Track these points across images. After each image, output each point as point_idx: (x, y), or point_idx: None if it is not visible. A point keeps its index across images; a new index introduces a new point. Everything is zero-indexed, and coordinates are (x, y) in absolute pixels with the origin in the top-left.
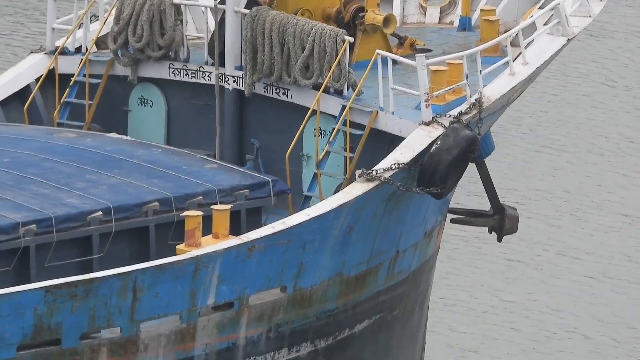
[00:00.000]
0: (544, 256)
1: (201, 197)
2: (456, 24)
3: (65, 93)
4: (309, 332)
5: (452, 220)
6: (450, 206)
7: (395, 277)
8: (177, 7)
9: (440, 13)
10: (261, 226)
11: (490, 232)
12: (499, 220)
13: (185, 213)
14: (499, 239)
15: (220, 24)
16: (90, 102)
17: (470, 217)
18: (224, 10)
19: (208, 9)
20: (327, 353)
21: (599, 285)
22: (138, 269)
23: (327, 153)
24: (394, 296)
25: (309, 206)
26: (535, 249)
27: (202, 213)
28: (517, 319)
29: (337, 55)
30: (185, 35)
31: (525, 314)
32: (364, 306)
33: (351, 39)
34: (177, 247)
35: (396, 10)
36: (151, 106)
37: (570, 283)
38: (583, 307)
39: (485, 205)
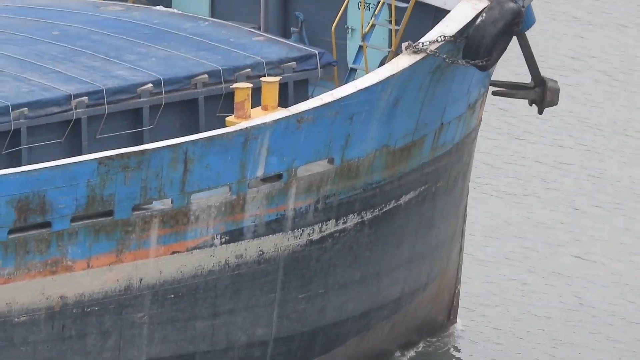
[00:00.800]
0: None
1: (249, 70)
2: None
3: None
4: (356, 203)
5: (494, 93)
6: (492, 79)
7: (439, 149)
8: None
9: None
10: (308, 98)
11: (531, 105)
12: (540, 92)
13: (235, 85)
14: (540, 111)
15: None
16: None
17: (511, 89)
18: None
19: None
20: (373, 224)
21: None
22: (188, 141)
23: (373, 26)
24: (438, 168)
25: (354, 79)
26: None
27: (251, 85)
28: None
29: None
30: None
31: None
32: (409, 178)
33: None
34: (227, 119)
35: None
36: None
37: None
38: None
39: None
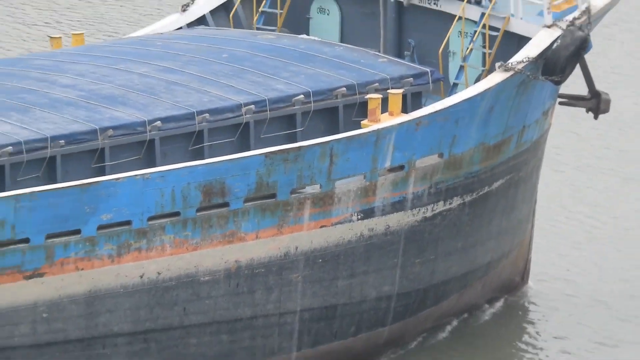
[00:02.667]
0: None
1: (377, 84)
2: None
3: (262, 4)
4: (459, 188)
5: (560, 103)
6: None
7: (522, 146)
8: None
9: None
10: (422, 107)
11: (588, 112)
12: (596, 102)
13: (368, 96)
14: (596, 117)
15: None
16: (280, 11)
17: (573, 100)
18: None
19: None
20: (472, 205)
21: None
22: (333, 139)
23: (471, 50)
24: (520, 161)
25: (456, 92)
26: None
27: (381, 96)
28: None
29: None
30: None
31: None
32: (499, 169)
33: None
34: (362, 122)
35: None
36: (328, 14)
37: None
38: None
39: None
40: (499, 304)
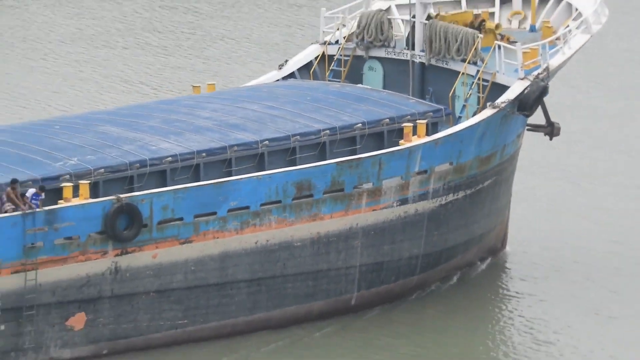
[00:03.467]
0: None
1: (409, 116)
2: (527, 28)
3: (331, 65)
4: (463, 185)
5: (528, 129)
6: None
7: (504, 158)
8: (389, 20)
9: (518, 22)
10: (438, 132)
11: (545, 135)
12: (550, 129)
13: (404, 124)
14: (550, 139)
15: (412, 27)
16: (344, 69)
17: (536, 127)
18: (414, 21)
19: (406, 21)
20: (471, 196)
21: None
22: (381, 153)
23: (470, 95)
24: (502, 168)
25: (460, 122)
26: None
27: (412, 124)
28: None
29: (474, 44)
30: (393, 34)
31: None
32: (489, 172)
33: (481, 35)
34: (400, 142)
35: (495, 20)
36: (375, 71)
37: None
38: None
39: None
40: (487, 262)
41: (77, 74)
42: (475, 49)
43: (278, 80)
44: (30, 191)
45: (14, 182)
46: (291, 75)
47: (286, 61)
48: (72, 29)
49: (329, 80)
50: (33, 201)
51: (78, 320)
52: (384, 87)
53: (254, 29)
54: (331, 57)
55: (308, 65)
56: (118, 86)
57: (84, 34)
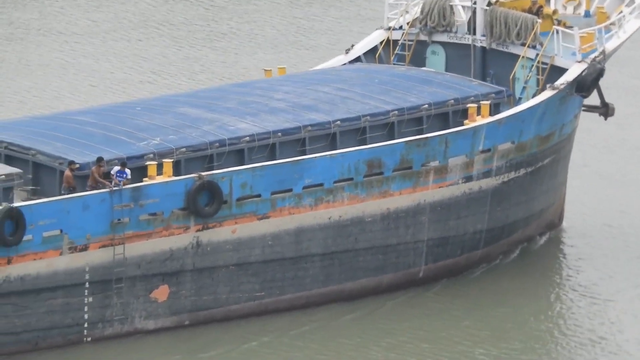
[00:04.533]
0: None
1: (473, 97)
2: (582, 14)
3: (396, 49)
4: (524, 163)
5: (584, 110)
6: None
7: (562, 137)
8: (451, 6)
9: (573, 8)
10: (500, 112)
11: (600, 116)
12: (605, 109)
13: (469, 105)
14: (605, 119)
15: (473, 13)
16: (408, 53)
17: (591, 108)
18: (476, 7)
19: (467, 7)
20: (532, 174)
21: None
22: (448, 133)
23: (530, 77)
24: (560, 146)
25: (520, 103)
26: None
27: (476, 105)
28: None
29: (533, 28)
30: (455, 20)
31: None
32: (548, 151)
33: (539, 20)
34: (465, 122)
35: (551, 7)
36: (437, 55)
37: None
38: None
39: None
40: (545, 237)
41: (109, 66)
42: (534, 33)
43: (345, 64)
44: (115, 169)
45: (99, 160)
46: (357, 59)
47: (352, 46)
48: (91, 22)
49: (394, 64)
50: (118, 178)
51: (162, 293)
52: (446, 71)
53: (317, 17)
54: (395, 42)
55: (373, 50)
56: (167, 78)
57: (118, 25)
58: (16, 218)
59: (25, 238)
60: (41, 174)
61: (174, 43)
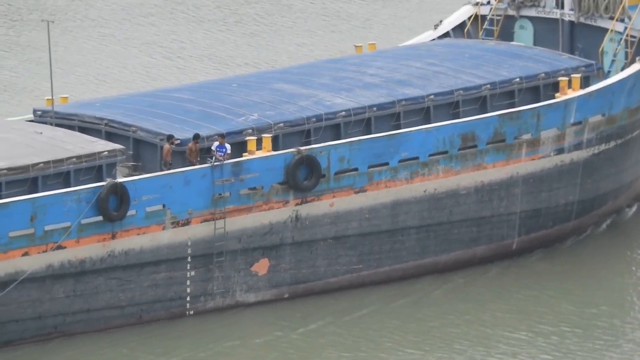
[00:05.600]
0: None
1: (563, 71)
2: None
3: (484, 24)
4: (614, 135)
5: None
6: None
7: None
8: None
9: None
10: (590, 85)
11: None
12: None
13: (560, 78)
14: None
15: None
16: (496, 28)
17: None
18: None
19: None
20: (621, 146)
21: None
22: (540, 106)
23: (618, 50)
24: None
25: (609, 76)
26: None
27: (567, 78)
28: None
29: (621, 2)
30: None
31: None
32: (637, 123)
33: None
34: (556, 95)
35: None
36: (526, 29)
37: None
38: None
39: None
40: (634, 208)
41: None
42: (622, 7)
43: (434, 39)
44: (215, 144)
45: (196, 137)
46: (446, 34)
47: (441, 21)
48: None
49: (483, 39)
50: (218, 153)
51: (262, 266)
52: (534, 45)
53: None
54: (484, 17)
55: (461, 25)
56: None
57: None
58: (120, 194)
59: (129, 213)
60: (142, 150)
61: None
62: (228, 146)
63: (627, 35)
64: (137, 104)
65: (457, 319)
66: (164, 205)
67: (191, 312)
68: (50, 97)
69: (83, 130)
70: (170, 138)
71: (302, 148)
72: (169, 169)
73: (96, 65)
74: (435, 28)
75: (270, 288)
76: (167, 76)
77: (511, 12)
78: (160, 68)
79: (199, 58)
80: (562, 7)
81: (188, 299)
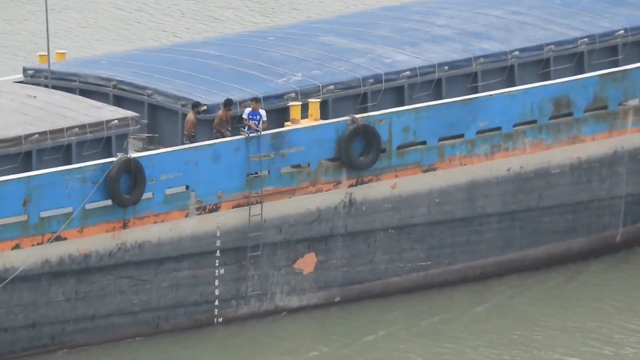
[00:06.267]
0: None
1: (623, 31)
2: None
3: None
4: None
5: None
6: None
7: None
8: None
9: None
10: None
11: None
12: None
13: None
14: None
15: None
16: None
17: None
18: None
19: None
20: None
21: None
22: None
23: None
24: None
25: None
26: None
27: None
28: None
29: None
30: None
31: None
32: None
33: None
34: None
35: None
36: None
37: None
38: None
39: None
40: None
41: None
42: None
43: None
44: (247, 110)
45: (227, 103)
46: None
47: None
48: None
49: None
50: (252, 121)
51: (307, 262)
52: None
53: None
54: None
55: None
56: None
57: None
58: (134, 172)
59: (144, 196)
60: (159, 118)
61: None
62: (263, 112)
63: None
64: (153, 61)
65: (547, 328)
66: (187, 187)
67: (220, 320)
68: (45, 53)
69: (86, 93)
70: (196, 106)
71: (357, 116)
72: (193, 143)
73: (102, 15)
74: None
75: (317, 289)
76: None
77: None
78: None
79: (232, 6)
80: None
81: (216, 303)
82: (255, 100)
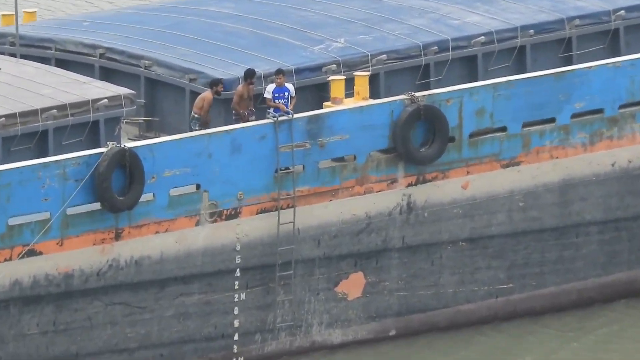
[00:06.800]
0: None
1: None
2: None
3: None
4: None
5: None
6: None
7: None
8: None
9: None
10: None
11: None
12: None
13: None
14: None
15: None
16: None
17: None
18: None
19: None
20: None
21: None
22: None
23: None
24: None
25: None
26: None
27: None
28: None
29: None
30: None
31: None
32: None
33: None
34: None
35: None
36: None
37: None
38: None
39: None
40: None
41: None
42: None
43: None
44: (270, 87)
45: (249, 75)
46: None
47: None
48: None
49: None
50: (278, 100)
51: (353, 285)
52: None
53: None
54: None
55: None
56: None
57: None
58: (129, 166)
59: (142, 198)
60: (159, 96)
61: None
62: (291, 88)
63: None
64: (152, 23)
65: None
66: (198, 186)
67: (241, 359)
68: (11, 13)
69: (65, 64)
70: (215, 84)
71: (417, 94)
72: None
73: None
74: None
75: (366, 320)
76: None
77: None
78: None
79: None
80: None
81: (236, 337)
82: (281, 73)
